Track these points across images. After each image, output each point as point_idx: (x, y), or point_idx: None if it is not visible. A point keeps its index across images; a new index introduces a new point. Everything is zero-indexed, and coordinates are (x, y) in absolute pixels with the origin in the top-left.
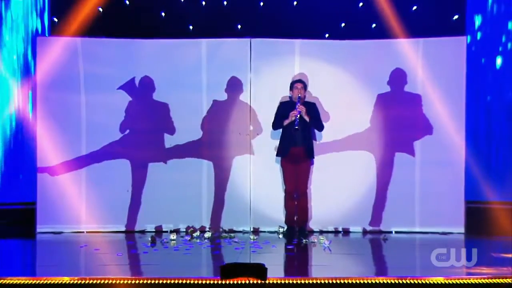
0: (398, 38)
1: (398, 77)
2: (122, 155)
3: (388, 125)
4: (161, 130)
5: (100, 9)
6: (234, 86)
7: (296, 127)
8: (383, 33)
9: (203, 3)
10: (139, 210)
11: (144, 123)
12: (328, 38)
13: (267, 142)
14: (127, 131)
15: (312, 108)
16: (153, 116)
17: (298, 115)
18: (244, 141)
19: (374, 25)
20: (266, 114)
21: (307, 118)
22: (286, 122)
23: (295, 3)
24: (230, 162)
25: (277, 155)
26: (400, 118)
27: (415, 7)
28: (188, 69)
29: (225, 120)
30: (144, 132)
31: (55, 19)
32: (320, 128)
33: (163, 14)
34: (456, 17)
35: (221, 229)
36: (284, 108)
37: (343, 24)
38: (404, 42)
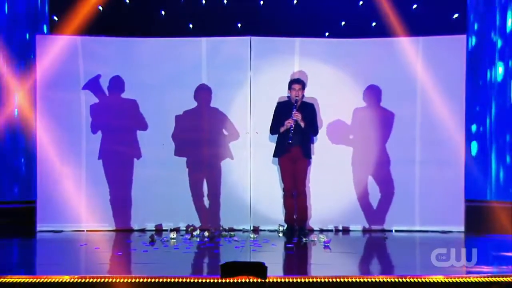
0: (398, 36)
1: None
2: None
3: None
4: (133, 127)
5: (100, 8)
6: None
7: (290, 142)
8: (383, 31)
9: (203, 1)
10: (131, 208)
11: (118, 121)
12: (328, 36)
13: (267, 142)
14: (99, 131)
15: (310, 110)
16: (123, 113)
17: (293, 124)
18: (244, 140)
19: (374, 23)
20: (266, 112)
21: (302, 124)
22: (282, 130)
23: (295, 1)
24: (228, 161)
25: (274, 155)
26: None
27: (415, 6)
28: (188, 68)
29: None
30: (119, 129)
31: (55, 18)
32: (315, 133)
33: (163, 13)
34: (456, 15)
35: (221, 228)
36: (282, 109)
37: (343, 23)
38: (404, 40)
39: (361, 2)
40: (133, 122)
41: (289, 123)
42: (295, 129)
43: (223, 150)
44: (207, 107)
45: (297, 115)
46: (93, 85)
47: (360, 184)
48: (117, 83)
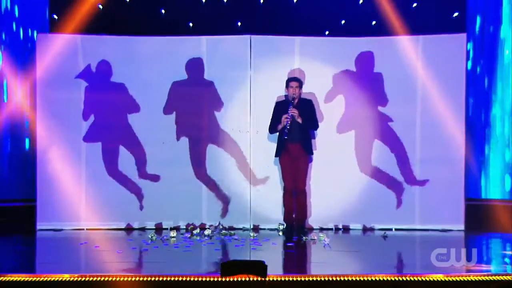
0: (398, 35)
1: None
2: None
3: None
4: (124, 111)
5: (100, 7)
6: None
7: (285, 137)
8: (383, 30)
9: (203, 0)
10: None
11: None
12: (328, 35)
13: (267, 141)
14: (92, 116)
15: (308, 106)
16: (112, 100)
17: (290, 120)
18: (244, 139)
19: (374, 22)
20: (266, 111)
21: (299, 121)
22: (279, 127)
23: (295, 0)
24: (228, 159)
25: (275, 155)
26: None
27: (415, 4)
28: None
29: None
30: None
31: (55, 16)
32: (315, 127)
33: (163, 11)
34: (456, 14)
35: (221, 227)
36: (280, 109)
37: (343, 21)
38: (404, 39)
39: (361, 1)
40: (124, 105)
41: (285, 118)
42: (293, 126)
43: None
44: (199, 80)
45: (293, 111)
46: (86, 74)
47: (360, 182)
48: (106, 68)
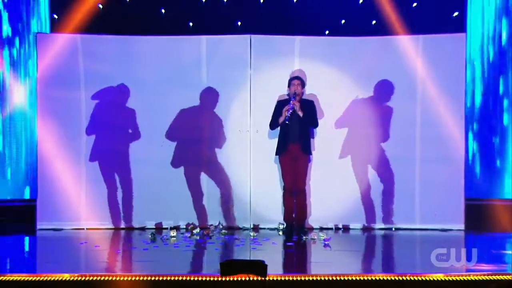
0: (398, 35)
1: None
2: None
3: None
4: (127, 136)
5: (100, 6)
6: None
7: (287, 122)
8: (383, 30)
9: (203, 0)
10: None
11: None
12: (328, 35)
13: (267, 140)
14: (93, 135)
15: (309, 106)
16: (122, 122)
17: (291, 110)
18: (244, 139)
19: (374, 22)
20: (266, 111)
21: (300, 113)
22: (281, 120)
23: (295, 0)
24: (227, 159)
25: (276, 153)
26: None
27: (415, 4)
28: (188, 66)
29: (225, 117)
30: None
31: (55, 16)
32: (315, 125)
33: (163, 11)
34: (456, 14)
35: (221, 226)
36: (281, 107)
37: (343, 21)
38: (404, 39)
39: (361, 0)
40: (127, 131)
41: (286, 109)
42: (294, 126)
43: (241, 142)
44: (209, 110)
45: (295, 103)
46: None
47: (361, 181)
48: (124, 91)
